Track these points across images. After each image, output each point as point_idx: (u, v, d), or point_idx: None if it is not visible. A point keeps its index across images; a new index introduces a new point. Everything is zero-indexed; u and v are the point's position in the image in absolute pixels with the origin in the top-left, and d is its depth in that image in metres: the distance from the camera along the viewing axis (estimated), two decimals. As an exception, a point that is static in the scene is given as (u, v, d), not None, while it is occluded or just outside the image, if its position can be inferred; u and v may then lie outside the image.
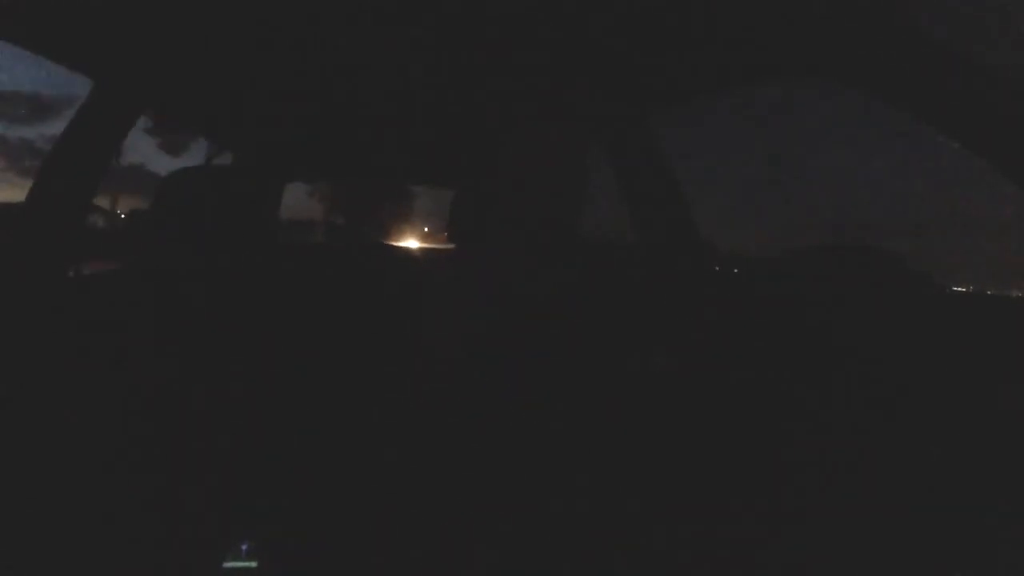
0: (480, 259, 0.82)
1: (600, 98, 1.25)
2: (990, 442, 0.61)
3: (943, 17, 0.67)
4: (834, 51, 0.78)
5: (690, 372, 0.72)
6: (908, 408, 0.62)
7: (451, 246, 0.95)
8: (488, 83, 1.17)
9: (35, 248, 1.05)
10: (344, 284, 0.96)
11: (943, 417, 0.62)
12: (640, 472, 0.67)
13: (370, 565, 0.68)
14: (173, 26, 0.93)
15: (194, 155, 1.75)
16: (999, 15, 0.64)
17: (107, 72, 1.08)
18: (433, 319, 0.79)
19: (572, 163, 0.76)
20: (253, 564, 0.67)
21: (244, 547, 0.67)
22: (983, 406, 0.63)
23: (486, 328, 0.76)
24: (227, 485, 0.71)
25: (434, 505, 0.68)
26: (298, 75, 1.16)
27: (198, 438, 0.72)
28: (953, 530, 0.58)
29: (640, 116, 1.40)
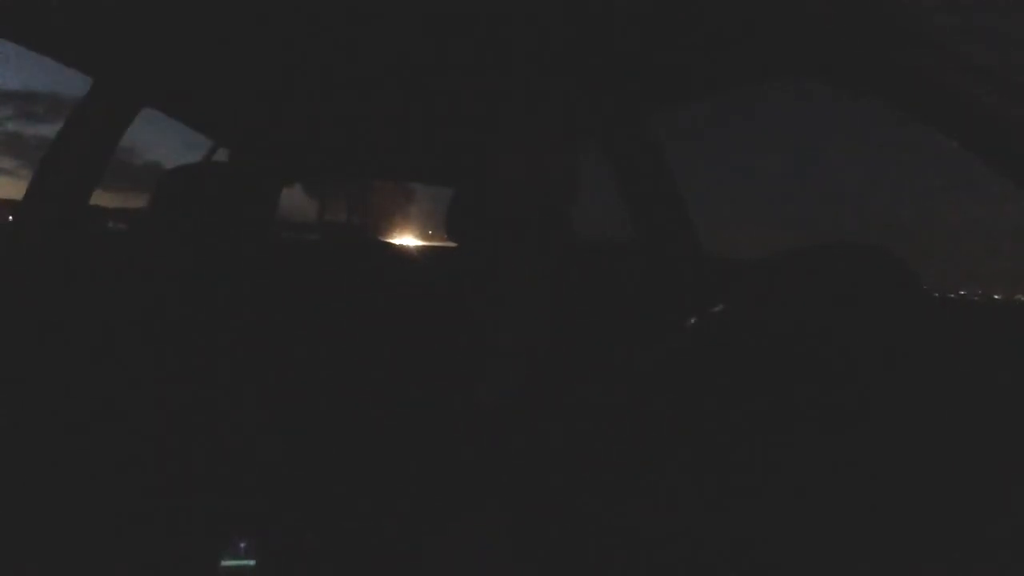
0: (478, 258, 0.82)
1: (599, 98, 1.25)
2: (989, 445, 0.61)
3: (943, 17, 0.67)
4: (834, 51, 0.78)
5: (687, 371, 0.72)
6: (906, 410, 0.62)
7: (451, 245, 0.95)
8: (488, 83, 1.17)
9: (35, 244, 1.05)
10: (343, 282, 0.96)
11: (941, 419, 0.62)
12: (638, 471, 0.67)
13: (369, 564, 0.69)
14: (171, 23, 0.93)
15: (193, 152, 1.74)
16: (999, 14, 0.64)
17: (106, 69, 1.08)
18: (433, 318, 0.79)
19: (560, 162, 0.76)
20: (251, 562, 0.67)
21: (242, 545, 0.67)
22: (982, 408, 0.63)
23: (485, 327, 0.76)
24: (225, 483, 0.71)
25: (433, 504, 0.68)
26: (297, 73, 1.16)
27: (196, 436, 0.72)
28: (949, 532, 0.58)
29: (639, 116, 1.40)
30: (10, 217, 1.19)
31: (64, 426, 0.69)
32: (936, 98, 0.67)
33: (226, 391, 0.75)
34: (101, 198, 1.26)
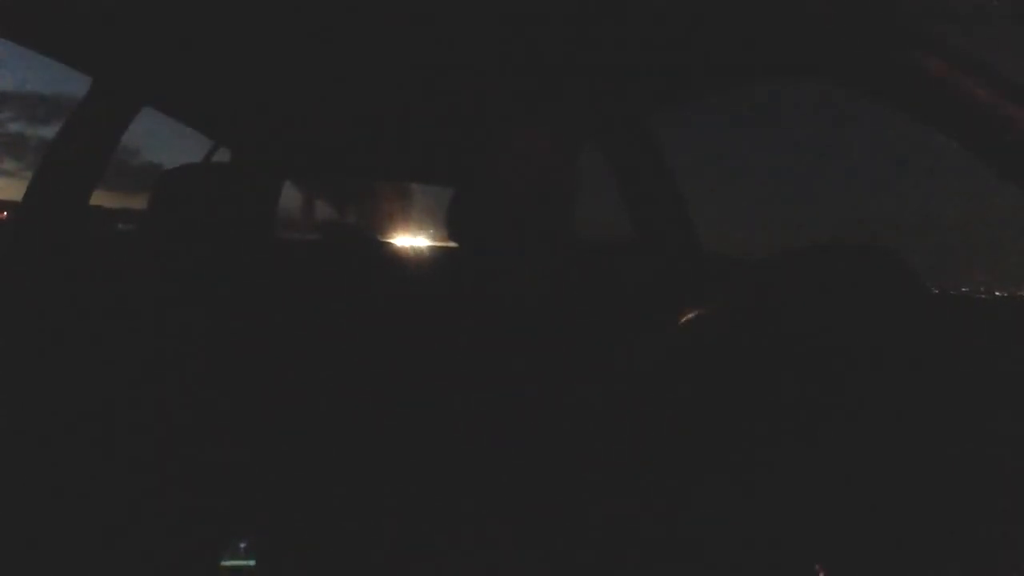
0: (477, 258, 0.82)
1: (599, 98, 1.25)
2: (992, 443, 0.61)
3: (943, 17, 0.67)
4: (834, 51, 0.78)
5: (687, 371, 0.72)
6: (908, 408, 0.62)
7: (451, 245, 0.95)
8: (488, 83, 1.17)
9: (35, 244, 1.05)
10: (343, 282, 0.96)
11: (941, 420, 0.62)
12: (638, 471, 0.67)
13: (368, 563, 0.69)
14: (172, 22, 0.93)
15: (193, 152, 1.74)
16: (998, 14, 0.64)
17: (106, 69, 1.08)
18: (433, 318, 0.79)
19: (560, 162, 0.76)
20: (251, 562, 0.67)
21: (242, 545, 0.67)
22: (986, 405, 0.63)
23: (483, 327, 0.76)
24: (225, 483, 0.71)
25: (433, 504, 0.68)
26: (297, 72, 1.16)
27: (196, 436, 0.72)
28: (950, 531, 0.58)
29: (639, 116, 1.40)
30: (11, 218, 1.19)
31: (64, 426, 0.69)
32: (936, 98, 0.67)
33: (226, 391, 0.75)
34: (101, 198, 1.26)
